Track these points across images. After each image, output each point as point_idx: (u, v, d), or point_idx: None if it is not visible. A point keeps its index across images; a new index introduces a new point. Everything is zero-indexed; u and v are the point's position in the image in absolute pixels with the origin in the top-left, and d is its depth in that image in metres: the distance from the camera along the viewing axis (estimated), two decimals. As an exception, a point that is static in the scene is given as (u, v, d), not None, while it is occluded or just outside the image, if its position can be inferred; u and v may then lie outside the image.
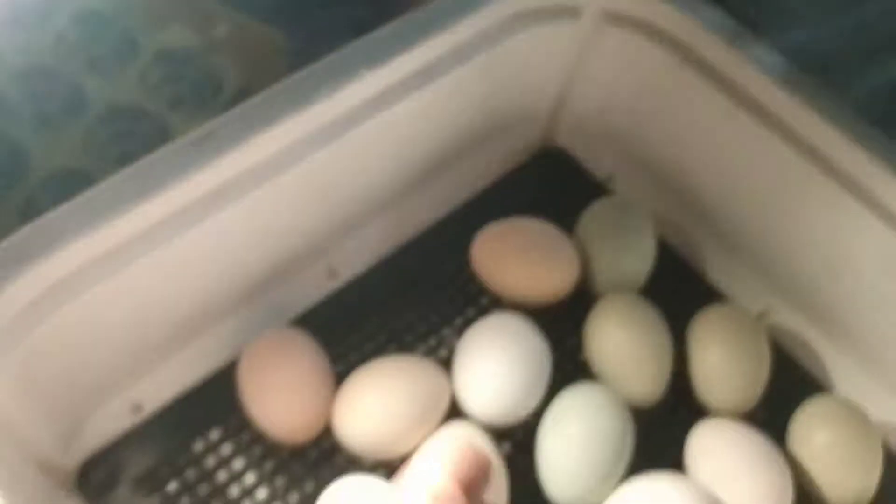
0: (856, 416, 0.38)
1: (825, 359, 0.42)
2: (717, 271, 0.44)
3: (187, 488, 0.35)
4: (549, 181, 0.46)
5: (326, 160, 0.36)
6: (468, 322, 0.39)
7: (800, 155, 0.38)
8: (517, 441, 0.37)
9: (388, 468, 0.35)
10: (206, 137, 0.33)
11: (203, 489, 0.35)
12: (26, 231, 0.30)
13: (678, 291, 0.42)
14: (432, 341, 0.40)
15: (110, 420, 0.36)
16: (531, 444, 0.36)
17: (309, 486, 0.35)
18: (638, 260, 0.41)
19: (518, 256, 0.40)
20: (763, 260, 0.42)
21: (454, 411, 0.36)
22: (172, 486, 0.35)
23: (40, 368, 0.32)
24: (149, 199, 0.31)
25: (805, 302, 0.42)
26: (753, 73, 0.38)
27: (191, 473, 0.35)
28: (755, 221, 0.42)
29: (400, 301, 0.40)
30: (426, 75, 0.38)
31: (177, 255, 0.33)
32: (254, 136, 0.33)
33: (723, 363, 0.38)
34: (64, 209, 0.31)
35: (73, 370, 0.34)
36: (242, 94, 0.43)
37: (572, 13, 0.41)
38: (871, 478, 0.37)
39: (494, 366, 0.36)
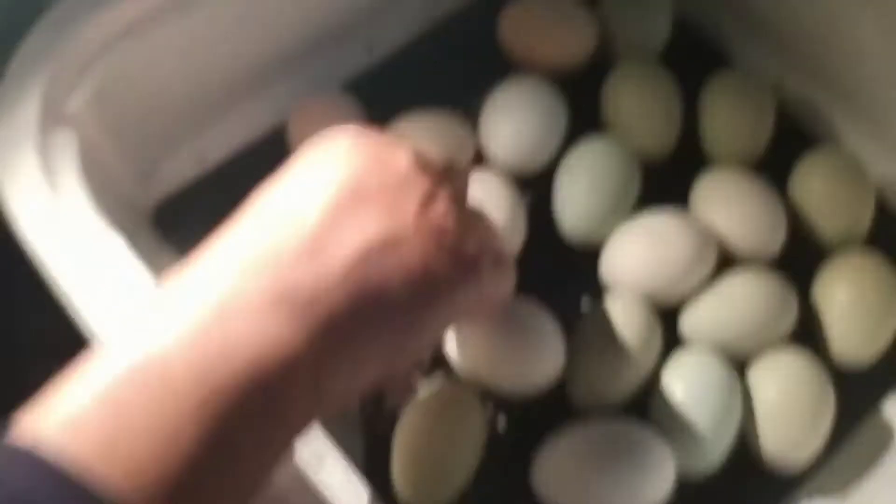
0: (851, 166, 0.41)
1: (830, 120, 0.44)
2: (732, 43, 0.46)
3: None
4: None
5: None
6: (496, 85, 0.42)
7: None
8: (539, 189, 0.41)
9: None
10: None
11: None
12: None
13: (693, 60, 0.44)
14: (465, 103, 0.43)
15: (178, 168, 0.41)
16: (550, 191, 0.40)
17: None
18: (655, 27, 0.43)
19: (542, 24, 0.42)
20: (774, 30, 0.45)
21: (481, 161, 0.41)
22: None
23: (117, 110, 0.37)
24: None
25: (815, 69, 0.44)
26: None
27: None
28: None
29: (435, 72, 0.44)
30: None
31: (232, 11, 0.37)
32: None
33: (729, 117, 0.41)
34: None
35: (144, 116, 0.38)
36: None
37: None
38: (863, 217, 0.40)
39: (513, 117, 0.39)
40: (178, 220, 0.40)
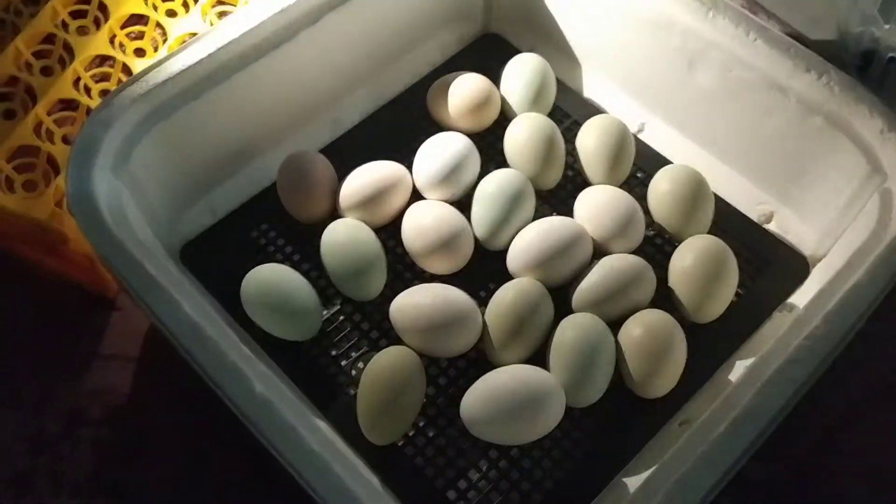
0: (694, 176, 0.52)
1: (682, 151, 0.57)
2: (604, 100, 0.59)
3: (250, 258, 0.52)
4: (487, 55, 0.62)
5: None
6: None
7: None
8: (461, 205, 0.53)
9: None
10: None
11: (259, 257, 0.52)
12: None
13: (571, 107, 0.57)
14: (403, 154, 0.55)
15: (196, 218, 0.53)
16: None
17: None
18: (543, 90, 0.56)
19: (457, 98, 0.55)
20: (634, 80, 0.57)
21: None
22: (239, 257, 0.52)
23: (155, 173, 0.49)
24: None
25: (669, 110, 0.56)
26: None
27: (250, 246, 0.52)
28: (620, 49, 0.57)
29: (383, 135, 0.57)
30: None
31: (235, 98, 0.50)
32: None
33: (597, 148, 0.53)
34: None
35: (172, 178, 0.51)
36: None
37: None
38: (705, 214, 0.51)
39: (436, 158, 0.52)
40: (197, 258, 0.52)
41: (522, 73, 0.57)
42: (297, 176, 0.52)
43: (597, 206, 0.51)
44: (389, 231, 0.52)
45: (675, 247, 0.51)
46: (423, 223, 0.50)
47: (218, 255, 0.52)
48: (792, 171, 0.51)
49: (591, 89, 0.59)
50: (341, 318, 0.50)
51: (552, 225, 0.50)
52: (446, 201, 0.52)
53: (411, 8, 0.58)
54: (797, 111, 0.49)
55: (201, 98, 0.49)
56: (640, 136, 0.57)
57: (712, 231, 0.52)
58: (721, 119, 0.53)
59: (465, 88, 0.56)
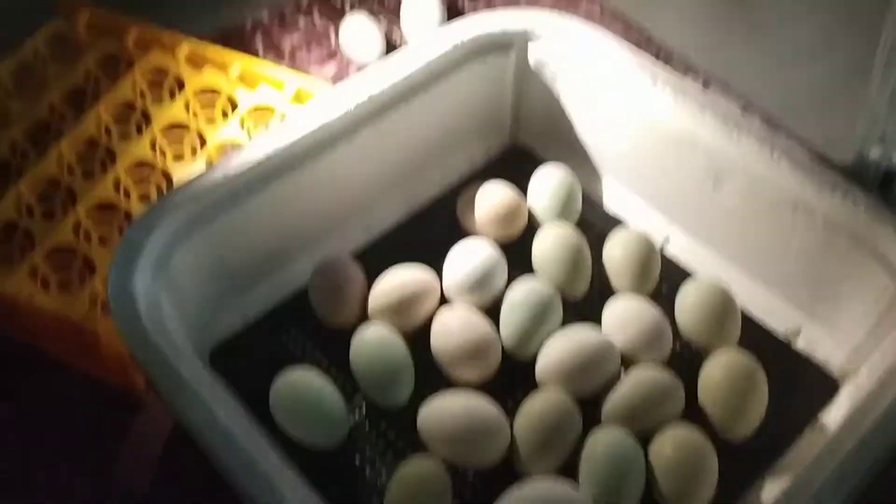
0: (719, 289, 0.52)
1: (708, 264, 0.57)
2: (629, 213, 0.60)
3: (279, 362, 0.52)
4: (514, 165, 0.63)
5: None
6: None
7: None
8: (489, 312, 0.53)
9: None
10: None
11: (288, 361, 0.52)
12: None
13: (597, 218, 0.58)
14: (434, 264, 0.56)
15: (228, 322, 0.54)
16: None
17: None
18: (569, 201, 0.57)
19: (486, 209, 0.57)
20: (657, 194, 0.58)
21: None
22: (269, 360, 0.52)
23: (191, 280, 0.50)
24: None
25: (695, 225, 0.57)
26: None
27: (280, 350, 0.53)
28: (645, 163, 0.58)
29: (413, 240, 0.58)
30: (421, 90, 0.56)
31: (269, 205, 0.51)
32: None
33: (624, 260, 0.54)
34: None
35: (206, 283, 0.52)
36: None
37: (508, 46, 0.59)
38: (733, 328, 0.51)
39: (465, 265, 0.53)
40: (227, 361, 0.52)
41: (549, 183, 0.58)
42: (329, 283, 0.53)
43: (624, 317, 0.51)
44: (418, 335, 0.52)
45: (704, 359, 0.50)
46: (452, 332, 0.50)
47: (247, 359, 0.52)
48: (819, 289, 0.52)
49: (617, 201, 0.60)
50: (368, 425, 0.49)
51: (580, 336, 0.50)
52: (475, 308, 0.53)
53: (443, 122, 0.60)
54: (823, 231, 0.49)
55: (241, 206, 0.50)
56: (666, 248, 0.58)
57: (740, 345, 0.52)
58: (747, 235, 0.54)
59: (494, 200, 0.57)
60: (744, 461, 0.47)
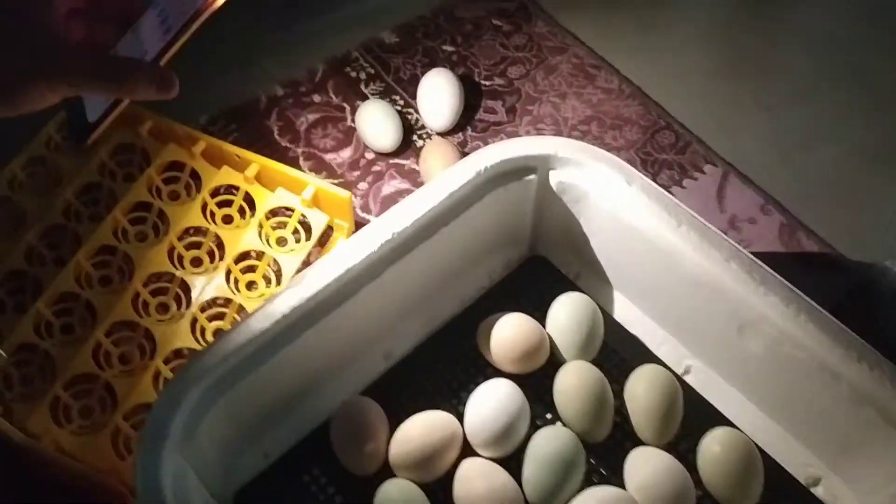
0: (743, 443, 0.52)
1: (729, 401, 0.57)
2: (650, 339, 0.59)
3: (300, 505, 0.52)
4: (534, 278, 0.62)
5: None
6: (478, 384, 0.56)
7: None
8: (512, 467, 0.53)
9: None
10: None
11: (310, 505, 0.52)
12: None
13: (619, 343, 0.58)
14: (454, 399, 0.56)
15: (249, 464, 0.53)
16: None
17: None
18: (592, 336, 0.57)
19: (507, 343, 0.56)
20: (679, 327, 0.58)
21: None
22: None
23: (211, 428, 0.50)
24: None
25: (717, 360, 0.57)
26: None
27: (301, 496, 0.53)
28: (667, 293, 0.57)
29: (434, 371, 0.57)
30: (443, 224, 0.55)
31: (287, 354, 0.51)
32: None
33: (647, 402, 0.53)
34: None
35: (228, 430, 0.51)
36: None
37: (530, 171, 0.58)
38: (755, 486, 0.51)
39: (489, 415, 0.52)
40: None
41: (572, 316, 0.57)
42: (351, 429, 0.52)
43: (648, 476, 0.51)
44: (440, 485, 0.52)
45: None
46: (477, 493, 0.50)
47: (270, 501, 0.52)
48: (842, 446, 0.51)
49: (638, 325, 0.60)
50: None
51: (606, 498, 0.50)
52: (498, 459, 0.52)
53: (465, 248, 0.58)
54: (848, 397, 0.49)
55: (267, 363, 0.49)
56: (686, 378, 0.57)
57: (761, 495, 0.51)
58: (770, 383, 0.53)
59: (515, 334, 0.56)
60: None
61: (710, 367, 0.57)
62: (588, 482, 0.52)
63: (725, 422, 0.55)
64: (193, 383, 0.47)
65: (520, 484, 0.51)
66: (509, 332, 0.56)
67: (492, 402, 0.53)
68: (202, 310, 0.60)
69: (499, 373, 0.57)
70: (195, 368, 0.48)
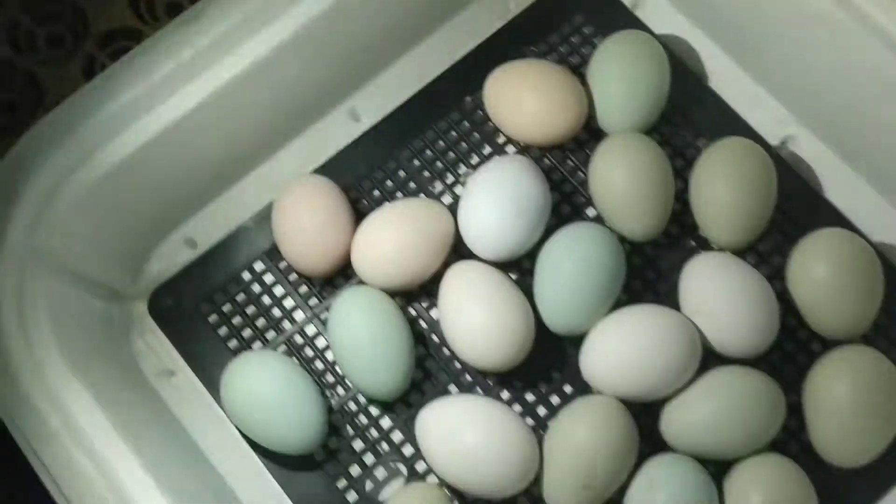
0: (861, 249, 0.35)
1: (841, 185, 0.39)
2: (736, 100, 0.40)
3: (238, 311, 0.38)
4: (563, 15, 0.42)
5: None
6: (484, 160, 0.39)
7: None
8: (522, 269, 0.37)
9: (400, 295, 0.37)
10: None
11: (251, 310, 0.38)
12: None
13: (690, 103, 0.39)
14: (449, 178, 0.39)
15: (170, 255, 0.39)
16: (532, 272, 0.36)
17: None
18: (647, 100, 0.38)
19: (527, 96, 0.38)
20: (782, 85, 0.39)
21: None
22: (226, 308, 0.38)
23: (107, 207, 0.35)
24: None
25: (822, 129, 0.39)
26: None
27: (241, 297, 0.38)
28: (774, 46, 0.38)
29: (419, 143, 0.40)
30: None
31: (212, 103, 0.34)
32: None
33: (726, 197, 0.36)
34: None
35: (133, 209, 0.36)
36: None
37: None
38: (868, 311, 0.35)
39: (493, 208, 0.35)
40: (172, 306, 0.38)
41: (628, 63, 0.38)
42: (298, 215, 0.37)
43: (714, 291, 0.35)
44: (422, 298, 0.37)
45: (817, 354, 0.35)
46: (468, 300, 0.35)
47: (198, 306, 0.38)
48: None
49: (720, 78, 0.41)
50: (349, 428, 0.36)
51: (651, 325, 0.34)
52: (501, 263, 0.36)
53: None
54: None
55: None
56: (782, 153, 0.39)
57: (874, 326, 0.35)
58: None
59: (540, 83, 0.38)
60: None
61: (818, 133, 0.39)
62: (631, 298, 0.36)
63: (836, 217, 0.38)
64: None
65: (532, 303, 0.36)
66: (530, 78, 0.38)
67: (496, 187, 0.36)
68: None
69: (514, 144, 0.39)
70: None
